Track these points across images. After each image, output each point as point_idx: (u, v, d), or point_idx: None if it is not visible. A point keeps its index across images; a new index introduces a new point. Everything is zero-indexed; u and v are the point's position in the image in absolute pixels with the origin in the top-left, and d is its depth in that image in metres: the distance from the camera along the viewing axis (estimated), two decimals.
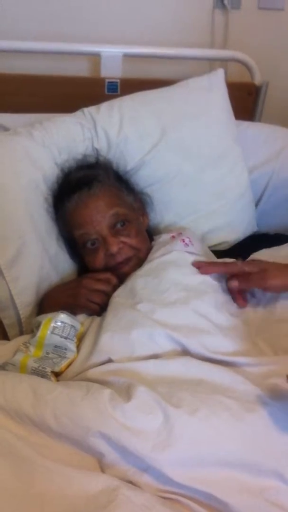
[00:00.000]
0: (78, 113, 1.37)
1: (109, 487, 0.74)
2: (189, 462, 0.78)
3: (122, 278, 1.16)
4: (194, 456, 0.79)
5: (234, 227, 1.41)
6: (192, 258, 1.17)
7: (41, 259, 1.23)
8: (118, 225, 1.20)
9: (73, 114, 1.38)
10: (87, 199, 1.20)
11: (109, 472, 0.79)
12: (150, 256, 1.19)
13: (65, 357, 0.99)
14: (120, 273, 1.17)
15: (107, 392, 0.84)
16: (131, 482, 0.78)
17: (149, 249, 1.23)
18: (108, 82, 1.65)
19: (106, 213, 1.19)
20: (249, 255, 1.22)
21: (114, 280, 1.15)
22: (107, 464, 0.79)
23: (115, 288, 1.14)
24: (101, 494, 0.73)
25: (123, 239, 1.19)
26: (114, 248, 1.16)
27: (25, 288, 1.20)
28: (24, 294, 1.20)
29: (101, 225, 1.18)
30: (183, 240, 1.22)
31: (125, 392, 0.85)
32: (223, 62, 1.78)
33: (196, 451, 0.79)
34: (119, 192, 1.25)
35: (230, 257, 1.19)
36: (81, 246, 1.21)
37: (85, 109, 1.37)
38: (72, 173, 1.28)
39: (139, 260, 1.20)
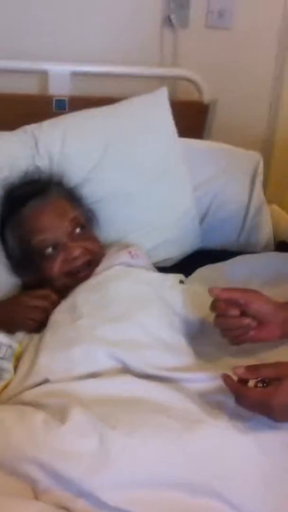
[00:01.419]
0: (20, 130, 1.36)
1: None
2: (126, 484, 0.76)
3: (71, 287, 1.14)
4: (131, 477, 0.76)
5: (178, 243, 1.41)
6: (136, 270, 1.17)
7: None
8: (77, 230, 1.19)
9: (15, 131, 1.37)
10: (45, 205, 1.20)
11: (43, 498, 0.76)
12: (95, 270, 1.18)
13: (1, 378, 0.96)
14: (77, 280, 1.15)
15: (40, 416, 0.82)
16: (66, 509, 0.75)
17: (102, 256, 1.22)
18: (56, 100, 1.64)
19: (65, 218, 1.19)
20: (193, 271, 1.22)
21: (52, 296, 1.14)
22: (40, 491, 0.76)
23: (55, 305, 1.12)
24: None
25: (82, 243, 1.18)
26: (75, 253, 1.16)
27: None
28: None
29: (60, 230, 1.17)
30: (130, 252, 1.22)
31: (60, 414, 0.82)
32: (172, 80, 1.79)
33: (133, 472, 0.77)
34: (70, 204, 1.25)
35: (174, 272, 1.18)
36: (38, 253, 1.18)
37: (27, 126, 1.36)
38: (18, 188, 1.27)
39: (95, 265, 1.19)
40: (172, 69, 1.82)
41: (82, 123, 1.38)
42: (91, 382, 0.92)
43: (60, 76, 1.65)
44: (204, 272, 1.23)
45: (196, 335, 1.07)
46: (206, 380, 0.92)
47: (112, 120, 1.40)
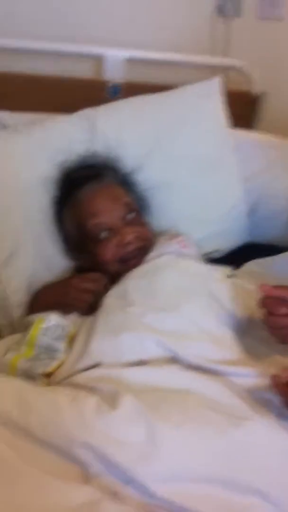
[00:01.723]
0: (78, 114, 1.37)
1: (92, 500, 0.73)
2: (173, 477, 0.76)
3: (123, 273, 1.15)
4: (177, 470, 0.77)
5: (227, 235, 1.42)
6: (185, 261, 1.17)
7: (36, 260, 1.23)
8: (130, 215, 1.21)
9: (72, 115, 1.37)
10: (100, 189, 1.21)
11: (92, 483, 0.76)
12: (146, 257, 1.19)
13: (55, 358, 0.98)
14: (128, 266, 1.17)
15: (93, 400, 0.83)
16: (115, 495, 0.76)
17: (153, 244, 1.23)
18: (111, 85, 1.65)
19: (118, 203, 1.20)
20: (241, 264, 1.23)
21: (103, 279, 1.15)
22: (91, 475, 0.77)
23: (106, 288, 1.13)
24: (83, 507, 0.72)
25: (135, 229, 1.19)
26: (128, 237, 1.17)
27: (18, 288, 1.20)
28: (17, 295, 1.20)
29: (114, 215, 1.19)
30: (180, 242, 1.23)
31: (111, 400, 0.83)
32: (224, 69, 1.78)
33: (180, 465, 0.77)
34: (124, 189, 1.26)
35: (222, 264, 1.19)
36: (92, 237, 1.19)
37: (85, 111, 1.37)
38: (75, 171, 1.29)
39: (146, 252, 1.20)
40: (224, 58, 1.81)
41: (137, 109, 1.38)
42: (139, 370, 0.93)
43: (116, 61, 1.66)
44: (253, 266, 1.23)
45: (243, 330, 1.06)
46: (254, 376, 0.92)
47: (165, 108, 1.40)
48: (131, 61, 1.67)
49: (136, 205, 1.26)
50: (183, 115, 1.40)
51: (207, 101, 1.44)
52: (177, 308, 1.03)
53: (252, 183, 1.47)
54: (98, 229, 1.19)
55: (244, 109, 1.73)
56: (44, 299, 1.20)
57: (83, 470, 0.78)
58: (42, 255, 1.25)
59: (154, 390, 0.89)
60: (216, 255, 1.39)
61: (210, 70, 1.79)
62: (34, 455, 0.78)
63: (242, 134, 1.54)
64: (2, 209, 1.22)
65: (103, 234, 1.19)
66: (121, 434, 0.79)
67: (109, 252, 1.18)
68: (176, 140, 1.37)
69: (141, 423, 0.80)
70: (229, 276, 1.18)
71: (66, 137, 1.32)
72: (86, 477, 0.77)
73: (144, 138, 1.37)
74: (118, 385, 0.88)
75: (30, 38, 1.61)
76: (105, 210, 1.19)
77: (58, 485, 0.74)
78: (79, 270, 1.29)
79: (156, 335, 0.97)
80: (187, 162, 1.38)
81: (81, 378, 0.92)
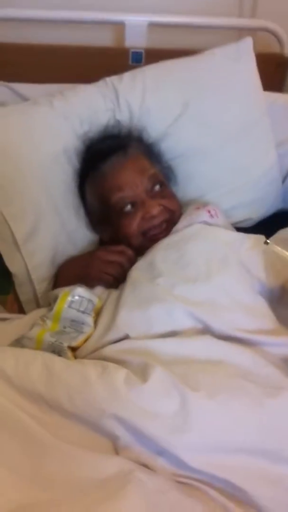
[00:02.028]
0: (100, 83, 1.33)
1: (123, 470, 0.72)
2: (206, 447, 0.76)
3: (148, 247, 1.13)
4: (211, 441, 0.76)
5: (259, 203, 1.37)
6: (215, 231, 1.13)
7: (58, 234, 1.22)
8: (156, 188, 1.18)
9: (95, 83, 1.33)
10: (124, 161, 1.18)
11: (123, 454, 0.76)
12: (174, 228, 1.16)
13: (82, 332, 0.97)
14: (153, 238, 1.14)
15: (123, 372, 0.81)
16: (145, 466, 0.75)
17: (180, 215, 1.20)
18: (133, 52, 1.60)
19: (144, 175, 1.17)
20: (274, 232, 1.18)
21: (129, 251, 1.13)
22: (121, 447, 0.77)
23: (131, 261, 1.12)
24: (115, 477, 0.71)
25: (161, 201, 1.17)
26: (154, 211, 1.14)
27: (41, 263, 1.19)
28: (40, 269, 1.19)
29: (139, 188, 1.16)
30: (209, 211, 1.19)
31: (141, 372, 0.82)
32: (251, 32, 1.71)
33: (214, 436, 0.76)
34: (149, 160, 1.23)
35: (255, 233, 1.15)
36: (117, 211, 1.17)
37: (108, 79, 1.33)
38: (98, 143, 1.26)
39: (173, 224, 1.17)
40: (253, 20, 1.74)
41: (163, 75, 1.33)
42: (170, 341, 0.91)
43: (137, 28, 1.60)
44: (286, 234, 1.19)
45: (276, 299, 1.03)
46: None
47: (193, 73, 1.34)
48: (153, 27, 1.61)
49: (162, 176, 1.23)
50: (213, 78, 1.35)
51: (239, 63, 1.37)
52: (209, 278, 1.00)
53: (285, 148, 1.42)
54: (123, 202, 1.16)
55: (274, 72, 1.67)
56: (69, 273, 1.18)
57: (112, 442, 0.78)
58: (65, 229, 1.23)
59: (185, 361, 0.87)
60: (248, 223, 1.35)
61: (237, 34, 1.73)
62: (62, 427, 0.78)
63: (274, 97, 1.47)
64: (24, 183, 1.19)
65: (128, 208, 1.16)
66: (153, 405, 0.78)
67: (134, 225, 1.16)
68: (206, 105, 1.32)
69: (173, 394, 0.79)
70: (264, 243, 1.14)
71: (88, 107, 1.29)
72: (115, 449, 0.77)
73: (171, 104, 1.31)
74: (148, 357, 0.86)
75: (49, 7, 1.58)
76: (130, 184, 1.16)
77: (87, 456, 0.74)
78: (103, 244, 1.27)
79: (187, 306, 0.94)
80: (218, 128, 1.33)
81: (109, 351, 0.91)
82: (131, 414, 0.76)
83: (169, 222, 1.17)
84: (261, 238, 1.12)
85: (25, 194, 1.18)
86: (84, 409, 0.78)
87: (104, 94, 1.30)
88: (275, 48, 1.69)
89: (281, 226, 1.19)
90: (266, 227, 1.25)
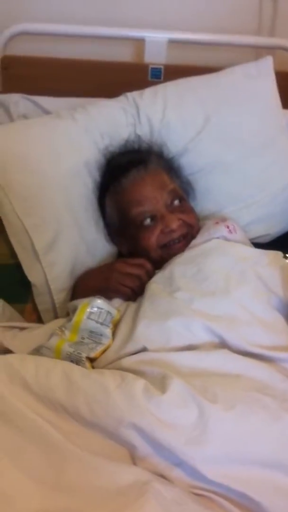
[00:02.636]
0: (121, 97, 1.35)
1: (140, 480, 0.72)
2: (223, 460, 0.76)
3: (166, 260, 1.14)
4: (228, 453, 0.76)
5: (276, 219, 1.37)
6: (233, 246, 1.14)
7: (78, 245, 1.23)
8: (175, 202, 1.19)
9: (116, 98, 1.36)
10: (145, 176, 1.19)
11: (140, 464, 0.77)
12: (192, 242, 1.17)
13: (100, 343, 0.98)
14: (171, 252, 1.15)
15: (141, 382, 0.82)
16: (162, 476, 0.76)
17: (199, 229, 1.21)
18: (152, 68, 1.62)
19: (163, 190, 1.18)
20: None
21: (147, 265, 1.14)
22: (138, 457, 0.77)
23: (150, 274, 1.12)
24: (132, 487, 0.71)
25: (180, 216, 1.18)
26: (173, 225, 1.15)
27: (60, 274, 1.20)
28: (59, 280, 1.20)
29: (159, 202, 1.17)
30: (228, 227, 1.20)
31: (160, 383, 0.83)
32: (269, 50, 1.73)
33: (231, 448, 0.76)
34: (169, 175, 1.24)
35: (272, 249, 1.15)
36: (136, 224, 1.18)
37: (129, 94, 1.35)
38: (119, 156, 1.27)
39: (191, 238, 1.18)
40: (271, 38, 1.76)
41: (183, 92, 1.35)
42: (188, 354, 0.92)
43: (157, 44, 1.62)
44: None
45: None
46: None
47: (214, 90, 1.36)
48: (172, 43, 1.63)
49: (181, 191, 1.24)
50: (233, 95, 1.37)
51: (259, 81, 1.39)
52: (227, 293, 1.01)
53: None
54: (143, 216, 1.17)
55: None
56: (87, 284, 1.19)
57: (130, 452, 0.78)
58: (85, 241, 1.24)
59: (203, 374, 0.87)
60: (265, 239, 1.35)
61: (254, 51, 1.75)
62: (81, 436, 0.78)
63: None
64: (45, 195, 1.21)
65: (147, 221, 1.17)
66: (171, 416, 0.78)
67: (153, 239, 1.17)
68: (225, 121, 1.33)
69: (191, 406, 0.79)
70: (284, 257, 1.15)
71: (109, 121, 1.31)
72: (133, 458, 0.78)
73: (191, 120, 1.33)
74: (166, 369, 0.87)
75: (70, 22, 1.61)
76: (150, 198, 1.17)
77: (106, 466, 0.74)
78: (122, 256, 1.28)
79: (205, 320, 0.95)
80: (237, 143, 1.34)
81: (127, 362, 0.92)
82: (149, 424, 0.77)
83: (188, 236, 1.18)
84: (278, 254, 1.13)
85: (46, 206, 1.20)
86: (103, 418, 0.79)
87: (125, 109, 1.32)
88: None
89: None
90: (283, 243, 1.26)
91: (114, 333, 1.00)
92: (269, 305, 1.02)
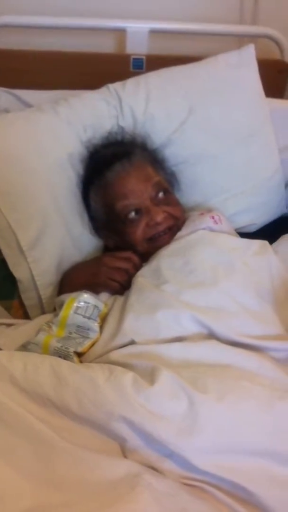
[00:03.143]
0: (103, 89, 1.33)
1: (131, 472, 0.72)
2: (214, 450, 0.76)
3: (152, 253, 1.13)
4: (219, 443, 0.76)
5: (263, 208, 1.37)
6: (219, 237, 1.14)
7: (64, 240, 1.22)
8: (160, 195, 1.18)
9: (98, 90, 1.34)
10: (129, 169, 1.18)
11: (131, 457, 0.77)
12: (178, 234, 1.17)
13: (88, 338, 0.97)
14: (157, 245, 1.15)
15: (130, 375, 0.82)
16: (153, 468, 0.76)
17: (184, 221, 1.20)
18: (134, 58, 1.61)
19: (148, 182, 1.17)
20: (278, 237, 1.19)
21: (135, 258, 1.14)
22: (129, 450, 0.77)
23: (137, 267, 1.12)
24: (123, 480, 0.71)
25: (165, 208, 1.17)
26: (158, 218, 1.14)
27: (46, 269, 1.19)
28: (46, 275, 1.19)
29: (144, 195, 1.16)
30: (213, 217, 1.19)
31: (149, 376, 0.83)
32: (252, 38, 1.72)
33: (222, 438, 0.76)
34: (153, 167, 1.23)
35: (258, 239, 1.15)
36: (121, 218, 1.17)
37: (110, 86, 1.33)
38: (102, 149, 1.26)
39: (177, 230, 1.18)
40: (253, 26, 1.76)
41: (166, 82, 1.34)
42: (177, 346, 0.91)
43: (138, 34, 1.61)
44: None
45: (282, 304, 1.03)
46: None
47: (197, 79, 1.35)
48: (154, 33, 1.63)
49: (166, 183, 1.23)
50: (216, 85, 1.35)
51: (242, 70, 1.38)
52: (215, 284, 1.01)
53: (287, 154, 1.42)
54: (128, 210, 1.16)
55: (275, 78, 1.67)
56: (75, 279, 1.18)
57: (120, 445, 0.78)
58: (70, 235, 1.23)
59: (192, 365, 0.87)
60: (252, 228, 1.36)
61: (237, 40, 1.74)
62: (71, 430, 0.78)
63: (276, 103, 1.48)
64: (29, 190, 1.19)
65: (132, 215, 1.17)
66: (160, 408, 0.78)
67: (139, 232, 1.16)
68: (209, 111, 1.32)
69: (180, 397, 0.79)
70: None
71: (92, 114, 1.29)
72: (123, 451, 0.78)
73: (175, 111, 1.32)
74: (155, 361, 0.87)
75: (51, 14, 1.59)
76: (135, 191, 1.16)
77: (97, 459, 0.74)
78: (108, 250, 1.27)
79: (193, 312, 0.95)
80: (222, 133, 1.33)
81: (116, 355, 0.91)
82: (139, 417, 0.77)
83: (173, 229, 1.18)
84: (265, 243, 1.13)
85: (31, 201, 1.18)
86: (92, 412, 0.79)
87: (107, 101, 1.30)
88: (276, 55, 1.70)
89: (284, 231, 1.20)
90: (269, 232, 1.26)
91: (101, 327, 1.00)
92: (257, 295, 1.02)
